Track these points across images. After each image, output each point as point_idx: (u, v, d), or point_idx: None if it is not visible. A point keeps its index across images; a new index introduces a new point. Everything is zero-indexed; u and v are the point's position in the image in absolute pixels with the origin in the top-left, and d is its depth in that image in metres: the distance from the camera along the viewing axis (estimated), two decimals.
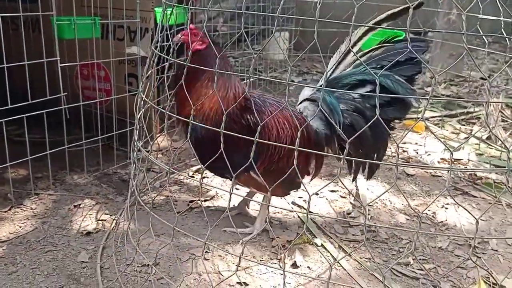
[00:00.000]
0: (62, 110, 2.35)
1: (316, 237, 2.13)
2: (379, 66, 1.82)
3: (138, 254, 1.80)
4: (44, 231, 2.03)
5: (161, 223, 2.09)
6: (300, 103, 2.06)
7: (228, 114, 1.40)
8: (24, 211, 2.18)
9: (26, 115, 2.18)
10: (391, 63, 1.76)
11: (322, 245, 2.08)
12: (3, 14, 2.05)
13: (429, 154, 3.15)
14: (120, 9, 2.65)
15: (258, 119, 1.73)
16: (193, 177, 2.72)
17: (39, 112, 2.24)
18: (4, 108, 2.09)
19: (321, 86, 1.94)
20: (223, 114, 1.35)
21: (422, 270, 1.93)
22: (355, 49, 1.92)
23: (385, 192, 1.36)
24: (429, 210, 2.42)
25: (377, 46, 1.90)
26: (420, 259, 2.02)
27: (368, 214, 2.36)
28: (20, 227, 2.05)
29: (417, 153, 3.17)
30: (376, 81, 1.16)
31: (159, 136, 2.85)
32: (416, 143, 3.34)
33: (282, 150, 1.88)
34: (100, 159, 2.68)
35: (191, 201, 2.41)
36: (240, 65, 5.06)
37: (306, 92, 2.06)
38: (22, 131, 2.77)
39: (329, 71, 1.96)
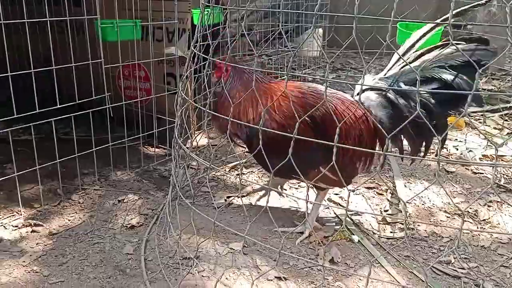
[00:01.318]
0: (106, 110, 2.45)
1: (353, 234, 2.13)
2: (447, 64, 1.82)
3: (179, 247, 1.87)
4: (91, 224, 2.13)
5: (200, 218, 2.15)
6: (359, 93, 1.95)
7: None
8: (72, 205, 2.30)
9: (74, 114, 2.29)
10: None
11: (359, 242, 2.08)
12: (52, 18, 2.16)
13: (470, 151, 3.06)
14: (159, 11, 2.74)
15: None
16: (232, 173, 2.77)
17: (85, 111, 2.35)
18: (54, 108, 2.21)
19: (385, 78, 1.95)
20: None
21: (463, 269, 1.89)
22: (414, 49, 1.91)
23: (426, 189, 1.35)
24: (471, 208, 2.36)
25: (432, 46, 1.88)
26: (461, 257, 1.98)
27: (406, 212, 2.34)
28: (69, 220, 2.16)
29: (458, 149, 3.10)
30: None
31: (198, 134, 2.91)
32: (456, 139, 3.26)
33: (350, 142, 1.88)
34: (141, 156, 2.78)
35: (228, 197, 2.46)
36: (274, 63, 5.08)
37: (367, 81, 1.96)
38: (68, 130, 2.92)
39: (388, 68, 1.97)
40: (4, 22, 1.96)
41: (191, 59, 1.96)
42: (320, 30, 4.47)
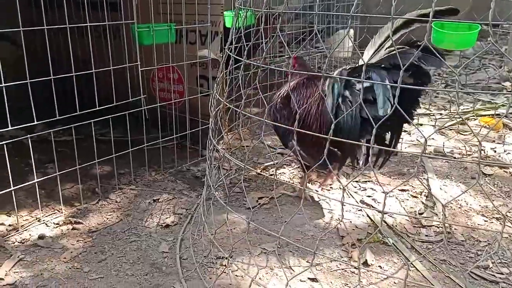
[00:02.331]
0: (142, 111, 2.52)
1: (387, 237, 2.11)
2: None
3: (214, 247, 1.90)
4: (128, 222, 2.19)
5: (234, 218, 2.18)
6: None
7: None
8: (110, 204, 2.37)
9: (112, 116, 2.36)
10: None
11: (393, 244, 2.06)
12: (92, 23, 2.24)
13: (508, 153, 2.97)
14: (192, 15, 2.79)
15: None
16: (265, 174, 2.79)
17: (122, 113, 2.42)
18: (93, 110, 2.29)
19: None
20: None
21: (502, 274, 1.84)
22: (389, 43, 1.89)
23: (465, 192, 1.32)
24: (510, 212, 2.29)
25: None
26: (500, 262, 1.93)
27: (442, 215, 2.29)
28: (107, 218, 2.23)
29: (495, 151, 3.01)
30: None
31: (231, 135, 2.95)
32: (494, 141, 3.16)
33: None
34: (175, 157, 2.84)
35: (260, 198, 2.48)
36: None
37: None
38: (105, 131, 3.02)
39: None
40: (48, 27, 2.05)
41: (225, 61, 1.99)
42: (351, 31, 4.44)
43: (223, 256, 1.89)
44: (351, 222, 2.25)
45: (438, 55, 1.36)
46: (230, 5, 3.42)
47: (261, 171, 2.86)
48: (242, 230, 2.13)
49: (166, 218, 2.23)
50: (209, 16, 2.76)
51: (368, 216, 2.31)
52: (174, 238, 2.07)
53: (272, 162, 2.90)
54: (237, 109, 1.75)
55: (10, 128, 1.97)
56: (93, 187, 2.53)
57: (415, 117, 2.05)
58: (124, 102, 2.42)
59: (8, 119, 1.93)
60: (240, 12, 2.01)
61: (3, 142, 2.02)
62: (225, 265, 1.85)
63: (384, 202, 1.36)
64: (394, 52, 1.79)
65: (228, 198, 2.39)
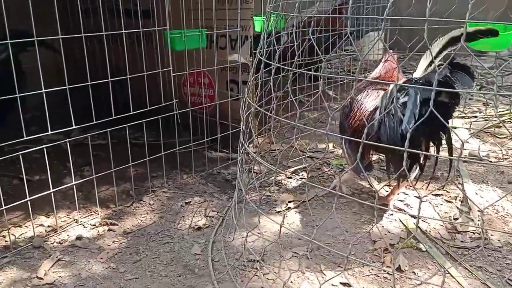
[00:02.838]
0: (174, 116, 2.57)
1: (421, 242, 2.07)
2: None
3: (245, 250, 1.92)
4: (161, 224, 2.24)
5: (264, 221, 2.20)
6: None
7: None
8: (144, 206, 2.43)
9: (146, 120, 2.42)
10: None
11: (427, 251, 2.02)
12: (126, 30, 2.31)
13: None
14: (223, 20, 2.83)
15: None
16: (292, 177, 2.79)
17: (155, 117, 2.48)
18: (128, 114, 2.36)
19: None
20: None
21: None
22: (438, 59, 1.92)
23: (503, 197, 1.29)
24: None
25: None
26: None
27: (478, 220, 2.23)
28: (141, 220, 2.29)
29: None
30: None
31: (261, 139, 2.97)
32: None
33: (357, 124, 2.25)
34: (206, 160, 2.88)
35: (290, 201, 2.48)
36: (333, 68, 5.05)
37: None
38: (137, 135, 3.09)
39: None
40: (85, 35, 2.12)
41: (256, 65, 2.01)
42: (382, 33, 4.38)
43: (255, 259, 1.90)
44: (383, 226, 2.23)
45: (469, 75, 1.37)
46: (260, 10, 3.45)
47: (292, 174, 2.86)
48: (273, 233, 2.14)
49: (198, 220, 2.27)
50: (239, 21, 2.79)
51: (400, 221, 2.27)
52: (206, 240, 2.10)
53: (302, 166, 2.90)
54: (268, 113, 1.77)
55: (50, 132, 2.05)
56: (127, 189, 2.59)
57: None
58: (157, 106, 2.48)
59: (49, 123, 2.01)
60: (271, 16, 2.03)
61: (44, 146, 2.11)
62: (256, 268, 1.86)
63: (420, 207, 1.34)
64: (433, 68, 1.85)
65: (259, 201, 2.40)
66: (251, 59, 2.92)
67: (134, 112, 2.39)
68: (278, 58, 1.72)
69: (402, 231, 2.19)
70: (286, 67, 1.97)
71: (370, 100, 2.26)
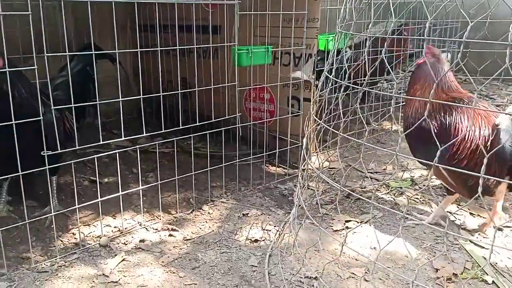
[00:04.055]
0: (236, 129, 2.64)
1: (487, 274, 1.96)
2: None
3: (303, 265, 1.91)
4: (219, 234, 2.29)
5: (322, 239, 2.18)
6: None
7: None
8: (203, 214, 2.50)
9: (210, 132, 2.51)
10: None
11: (493, 282, 1.91)
12: (199, 45, 2.42)
13: None
14: (287, 37, 2.89)
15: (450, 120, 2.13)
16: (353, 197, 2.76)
17: (219, 129, 2.56)
18: (193, 125, 2.46)
19: None
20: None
21: None
22: None
23: None
24: None
25: None
26: None
27: None
28: (200, 228, 2.35)
29: None
30: None
31: (321, 156, 2.97)
32: None
33: (466, 152, 2.07)
34: (264, 173, 2.92)
35: (348, 221, 2.45)
36: (391, 88, 4.95)
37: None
38: (198, 145, 3.20)
39: None
40: (161, 48, 2.25)
41: (324, 82, 2.04)
42: (449, 55, 4.26)
43: (312, 276, 1.89)
44: (446, 254, 2.13)
45: None
46: (324, 29, 3.49)
47: (347, 195, 2.83)
48: (330, 252, 2.12)
49: (255, 233, 2.30)
50: (305, 39, 2.84)
51: (465, 249, 2.17)
52: (263, 253, 2.12)
53: (360, 186, 2.86)
54: (336, 131, 1.77)
55: (123, 138, 2.18)
56: (188, 197, 2.68)
57: None
58: (221, 119, 2.56)
59: (122, 130, 2.13)
60: (341, 35, 2.05)
61: (116, 151, 2.24)
62: (313, 286, 1.85)
63: (494, 237, 1.29)
64: None
65: (316, 219, 2.39)
66: (314, 77, 2.95)
67: (199, 124, 2.48)
68: (346, 76, 1.73)
69: (467, 260, 2.09)
70: (356, 86, 1.98)
71: (471, 124, 2.11)
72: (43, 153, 1.92)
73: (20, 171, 1.86)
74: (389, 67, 1.74)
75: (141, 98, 2.18)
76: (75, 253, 2.11)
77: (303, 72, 2.95)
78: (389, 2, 1.61)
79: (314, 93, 2.95)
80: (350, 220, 2.45)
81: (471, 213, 2.53)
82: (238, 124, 2.63)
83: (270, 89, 3.14)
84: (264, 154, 2.93)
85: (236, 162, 2.72)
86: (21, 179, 1.87)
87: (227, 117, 2.60)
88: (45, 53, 1.89)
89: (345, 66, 1.85)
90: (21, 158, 1.84)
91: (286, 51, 3.02)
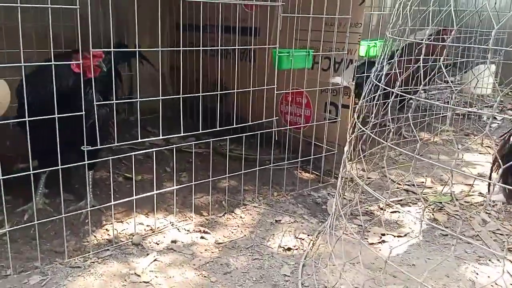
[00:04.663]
0: (272, 132, 2.59)
1: None
2: None
3: (341, 278, 1.84)
4: (251, 239, 2.24)
5: (357, 251, 2.10)
6: None
7: None
8: (235, 218, 2.46)
9: (246, 134, 2.47)
10: None
11: None
12: (240, 46, 2.39)
13: None
14: (328, 42, 2.82)
15: None
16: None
17: (255, 132, 2.52)
18: (229, 127, 2.42)
19: None
20: None
21: None
22: None
23: None
24: None
25: None
26: None
27: None
28: (232, 232, 2.31)
29: None
30: None
31: (356, 165, 2.89)
32: None
33: None
34: (297, 180, 2.86)
35: (383, 234, 2.36)
36: (430, 97, 4.81)
37: None
38: (231, 147, 3.17)
39: None
40: (202, 48, 2.23)
41: (371, 89, 1.96)
42: (493, 67, 4.10)
43: None
44: (488, 277, 2.03)
45: None
46: (366, 35, 3.40)
47: (383, 207, 2.74)
48: (365, 266, 2.04)
49: (288, 241, 2.24)
50: (347, 44, 2.77)
51: (508, 272, 2.05)
52: (296, 262, 2.06)
53: (397, 198, 2.76)
54: (383, 141, 1.70)
55: (161, 137, 2.16)
56: (220, 200, 2.65)
57: None
58: (258, 122, 2.52)
59: (161, 129, 2.11)
60: (389, 41, 1.97)
61: (154, 149, 2.23)
62: None
63: None
64: None
65: (363, 232, 2.31)
66: (354, 83, 2.87)
67: (236, 126, 2.45)
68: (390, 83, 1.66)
69: (510, 284, 1.98)
70: (406, 94, 1.90)
71: None
72: (83, 148, 1.92)
73: (59, 165, 1.86)
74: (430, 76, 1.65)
75: (179, 98, 2.16)
76: (108, 249, 2.10)
77: (343, 78, 2.87)
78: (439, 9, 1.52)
79: (353, 99, 2.88)
80: (385, 234, 2.36)
81: None
82: (275, 128, 2.58)
83: (307, 93, 3.07)
84: (299, 160, 2.87)
85: (270, 166, 2.67)
86: (60, 173, 1.87)
87: (264, 120, 2.55)
88: (90, 48, 1.89)
89: (395, 72, 1.77)
90: (63, 151, 1.84)
91: (326, 56, 2.95)
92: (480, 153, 3.67)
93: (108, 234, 2.24)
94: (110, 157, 2.12)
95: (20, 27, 1.63)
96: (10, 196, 2.38)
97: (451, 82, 3.91)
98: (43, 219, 2.04)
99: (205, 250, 2.14)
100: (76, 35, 1.82)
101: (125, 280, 1.89)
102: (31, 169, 1.79)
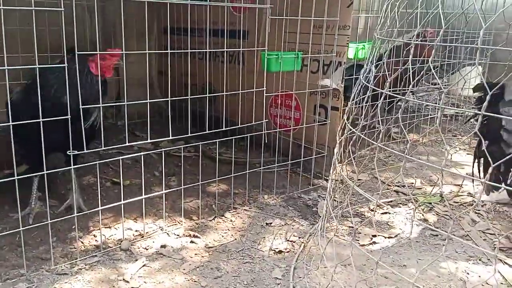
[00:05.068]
0: (262, 135, 2.58)
1: None
2: None
3: (332, 280, 1.83)
4: (242, 243, 2.22)
5: (348, 253, 2.09)
6: None
7: None
8: (225, 222, 2.43)
9: (235, 137, 2.45)
10: None
11: None
12: (228, 49, 2.38)
13: None
14: (317, 44, 2.82)
15: None
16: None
17: (245, 135, 2.50)
18: (219, 130, 2.40)
19: None
20: None
21: None
22: None
23: None
24: None
25: None
26: None
27: None
28: (222, 236, 2.29)
29: None
30: None
31: (345, 167, 2.89)
32: None
33: None
34: (287, 182, 2.85)
35: (374, 236, 2.36)
36: (418, 99, 4.84)
37: None
38: (220, 150, 3.14)
39: None
40: (190, 50, 2.21)
41: (360, 90, 1.96)
42: (480, 68, 4.14)
43: None
44: (479, 276, 2.03)
45: None
46: (354, 38, 3.42)
47: (374, 208, 2.74)
48: (356, 267, 2.03)
49: (279, 244, 2.22)
50: (335, 46, 2.77)
51: (499, 272, 2.06)
52: (287, 265, 2.04)
53: (388, 200, 2.76)
54: (373, 142, 1.70)
55: (149, 141, 2.14)
56: (210, 203, 2.62)
57: None
58: (248, 125, 2.51)
59: (149, 133, 2.09)
60: (377, 42, 1.98)
61: (142, 153, 2.20)
62: None
63: None
64: None
65: (354, 233, 2.30)
66: (343, 85, 2.87)
67: (226, 129, 2.43)
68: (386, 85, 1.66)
69: (501, 283, 1.98)
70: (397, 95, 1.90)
71: None
72: (69, 152, 1.88)
73: (45, 169, 1.83)
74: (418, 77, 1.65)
75: (166, 101, 2.14)
76: (96, 255, 2.06)
77: (332, 80, 2.88)
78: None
79: (343, 101, 2.88)
80: (375, 235, 2.36)
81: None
82: (264, 130, 2.56)
83: (296, 96, 3.07)
84: (289, 162, 2.86)
85: (260, 169, 2.65)
86: (45, 178, 1.84)
87: (253, 123, 2.54)
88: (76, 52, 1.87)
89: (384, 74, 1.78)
90: (55, 155, 1.82)
91: (315, 58, 2.95)
92: (468, 154, 3.70)
93: (95, 240, 2.20)
94: (98, 161, 2.08)
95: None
96: None
97: (439, 83, 3.94)
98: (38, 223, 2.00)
99: (195, 254, 2.11)
100: (62, 39, 1.79)
101: (113, 286, 1.85)
102: (15, 174, 1.75)
